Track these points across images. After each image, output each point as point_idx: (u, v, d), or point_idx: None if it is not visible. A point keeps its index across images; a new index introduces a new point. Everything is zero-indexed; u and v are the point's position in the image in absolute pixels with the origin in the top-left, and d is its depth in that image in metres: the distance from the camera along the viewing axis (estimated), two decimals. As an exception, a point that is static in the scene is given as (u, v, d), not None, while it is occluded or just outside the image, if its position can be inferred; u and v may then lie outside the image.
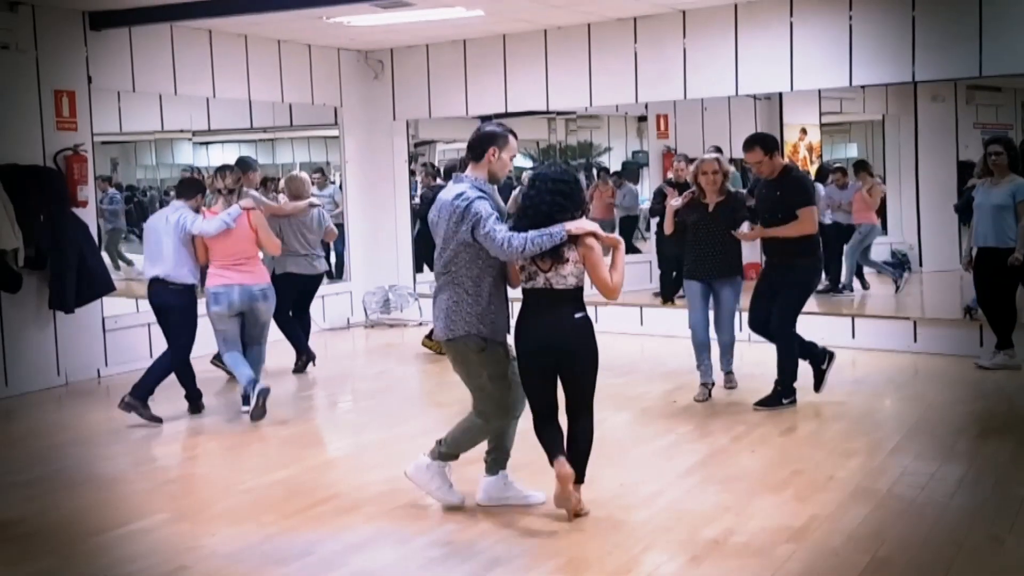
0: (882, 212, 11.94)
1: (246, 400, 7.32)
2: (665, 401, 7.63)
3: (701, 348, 7.60)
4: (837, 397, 7.50)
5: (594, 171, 13.47)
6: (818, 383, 7.34)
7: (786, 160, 7.58)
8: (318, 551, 4.74)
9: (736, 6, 9.58)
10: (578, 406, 5.04)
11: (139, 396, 7.19)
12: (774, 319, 7.18)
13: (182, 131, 11.33)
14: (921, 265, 12.37)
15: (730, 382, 7.79)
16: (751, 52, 9.61)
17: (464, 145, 13.50)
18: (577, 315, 4.93)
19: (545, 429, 5.01)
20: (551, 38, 10.66)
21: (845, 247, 11.63)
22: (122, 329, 9.17)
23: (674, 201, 7.63)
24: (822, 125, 12.37)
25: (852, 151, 13.91)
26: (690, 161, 9.30)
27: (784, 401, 7.21)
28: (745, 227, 7.49)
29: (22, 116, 8.46)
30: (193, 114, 10.99)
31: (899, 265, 12.00)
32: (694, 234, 7.53)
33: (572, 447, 4.99)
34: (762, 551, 4.61)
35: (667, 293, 10.99)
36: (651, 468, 5.98)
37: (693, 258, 7.58)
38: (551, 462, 4.93)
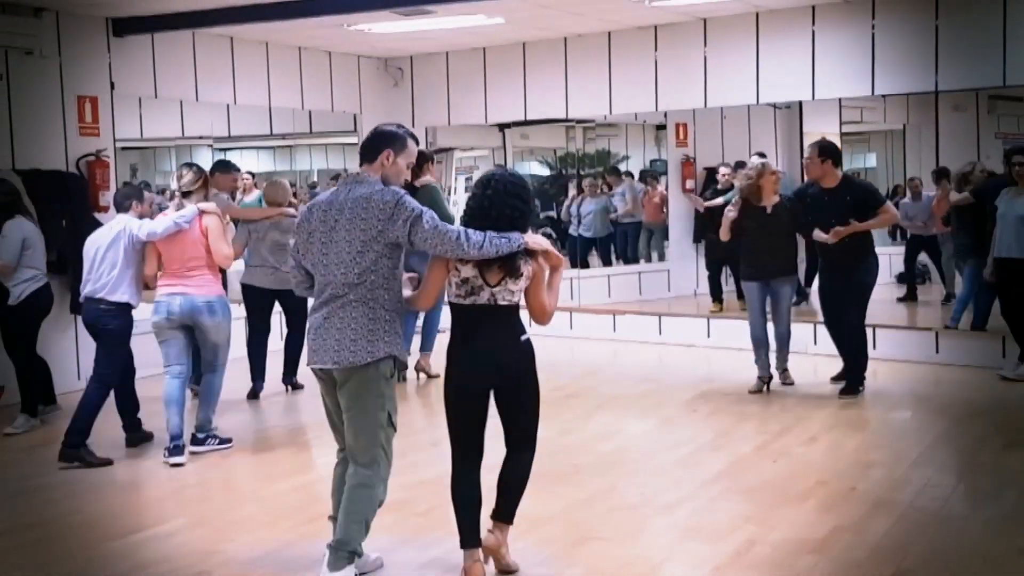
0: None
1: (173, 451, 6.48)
2: (686, 410, 7.61)
3: (759, 345, 7.92)
4: (859, 407, 7.47)
5: (622, 173, 13.38)
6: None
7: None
8: (338, 558, 4.72)
9: (758, 15, 9.55)
10: (523, 436, 4.42)
11: (74, 444, 6.45)
12: (851, 319, 7.72)
13: (202, 137, 11.37)
14: (942, 276, 12.27)
15: (787, 379, 8.05)
16: (772, 61, 9.58)
17: (482, 152, 13.45)
18: (523, 337, 4.33)
19: (466, 485, 4.37)
20: (571, 46, 10.66)
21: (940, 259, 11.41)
22: (142, 335, 9.12)
23: (730, 212, 7.87)
24: (842, 134, 12.30)
25: (872, 161, 13.81)
26: (737, 167, 9.41)
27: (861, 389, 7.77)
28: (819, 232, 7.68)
29: (45, 121, 8.51)
30: (214, 120, 11.03)
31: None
32: (754, 236, 7.81)
33: (505, 478, 4.42)
34: (784, 563, 4.58)
35: (717, 294, 10.98)
36: (672, 477, 5.94)
37: (751, 259, 7.91)
38: (463, 545, 4.32)
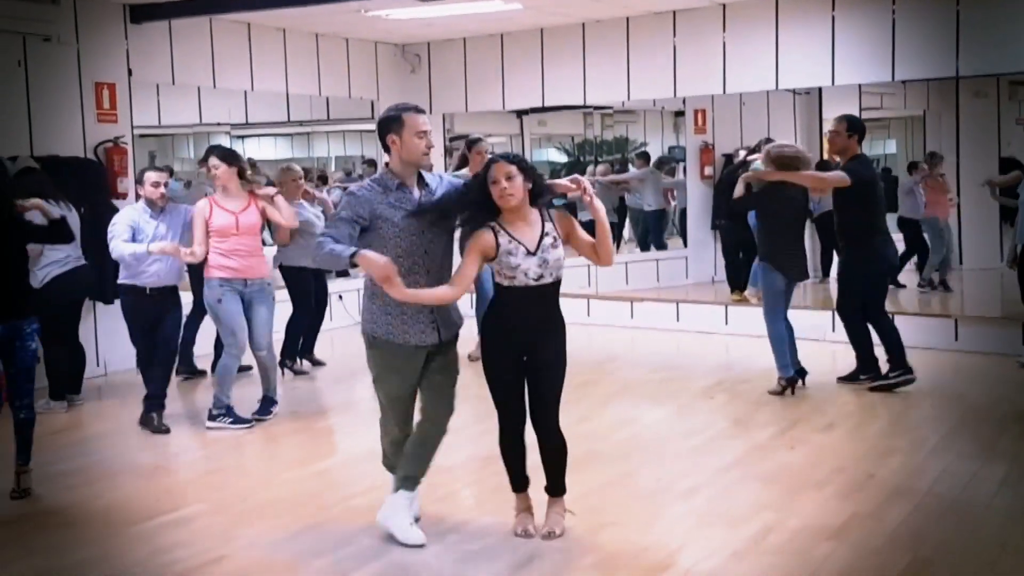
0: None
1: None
2: (702, 397, 7.59)
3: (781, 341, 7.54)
4: (877, 395, 7.43)
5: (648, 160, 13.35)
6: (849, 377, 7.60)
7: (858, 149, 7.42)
8: (355, 543, 4.74)
9: (777, 0, 9.50)
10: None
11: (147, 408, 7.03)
12: (838, 299, 7.61)
13: (220, 124, 11.41)
14: (962, 263, 12.19)
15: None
16: (792, 46, 9.52)
17: (499, 139, 13.45)
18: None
19: (509, 445, 4.76)
20: (589, 32, 10.62)
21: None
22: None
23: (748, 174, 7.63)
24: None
25: (891, 147, 13.74)
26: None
27: (861, 377, 7.55)
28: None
29: (63, 108, 8.54)
30: (231, 107, 11.05)
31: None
32: (774, 223, 7.40)
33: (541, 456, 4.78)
34: (802, 549, 4.57)
35: (735, 283, 10.86)
36: (688, 464, 5.94)
37: (776, 248, 7.40)
38: (513, 488, 4.81)
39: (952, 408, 7.22)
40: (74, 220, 7.49)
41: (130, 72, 9.04)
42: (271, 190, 7.25)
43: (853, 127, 7.33)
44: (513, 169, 4.42)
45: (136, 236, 6.84)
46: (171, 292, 7.09)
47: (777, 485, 5.47)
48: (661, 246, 12.83)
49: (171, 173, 10.71)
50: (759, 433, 6.54)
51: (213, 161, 6.97)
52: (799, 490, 5.38)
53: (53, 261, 7.34)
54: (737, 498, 5.31)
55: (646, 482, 5.64)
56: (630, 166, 13.24)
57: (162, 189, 6.94)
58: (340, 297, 10.79)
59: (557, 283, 4.57)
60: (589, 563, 4.48)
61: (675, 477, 5.67)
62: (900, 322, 8.96)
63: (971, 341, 8.90)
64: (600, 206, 4.50)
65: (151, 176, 6.96)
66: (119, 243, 6.81)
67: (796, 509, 5.08)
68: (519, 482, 4.79)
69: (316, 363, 8.96)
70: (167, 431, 6.89)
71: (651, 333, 10.30)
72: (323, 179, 12.59)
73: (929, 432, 6.57)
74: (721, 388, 7.80)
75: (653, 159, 13.15)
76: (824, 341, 8.99)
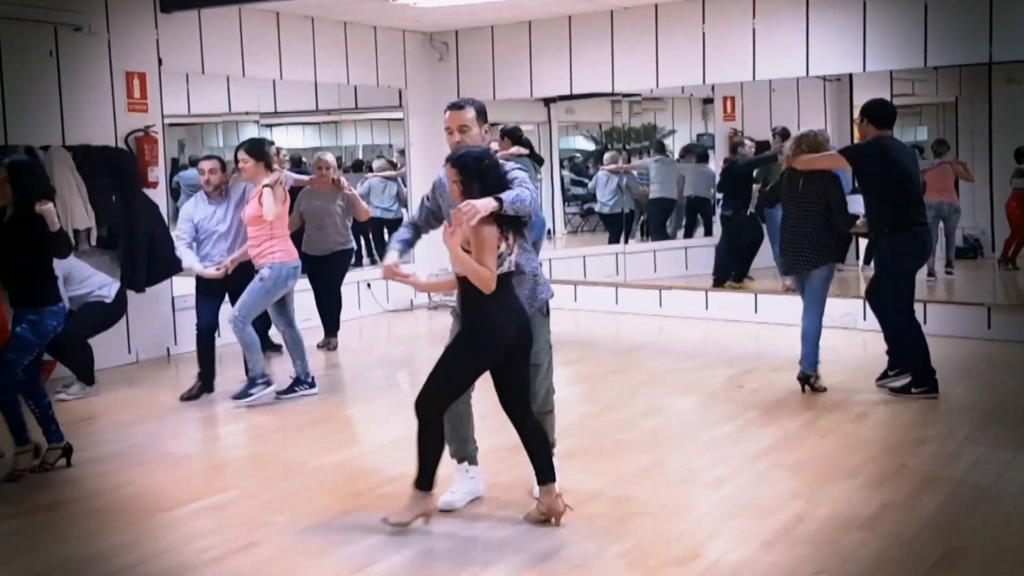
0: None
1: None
2: (731, 385, 7.56)
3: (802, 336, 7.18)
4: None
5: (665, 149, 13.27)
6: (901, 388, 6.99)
7: (882, 134, 6.84)
8: (385, 531, 4.74)
9: (807, -16, 9.43)
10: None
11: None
12: (889, 306, 6.95)
13: (248, 113, 11.43)
14: (993, 250, 12.05)
15: (816, 385, 7.10)
16: (822, 32, 9.44)
17: (527, 127, 13.46)
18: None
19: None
20: (617, 19, 10.57)
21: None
22: (191, 308, 9.24)
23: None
24: (893, 107, 12.09)
25: (923, 134, 13.58)
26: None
27: (914, 390, 6.88)
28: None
29: (94, 97, 8.60)
30: (260, 96, 11.07)
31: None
32: (783, 216, 7.12)
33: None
34: (832, 539, 4.54)
35: (724, 276, 10.88)
36: (718, 453, 5.92)
37: (782, 248, 7.16)
38: (431, 487, 4.78)
39: (985, 398, 7.14)
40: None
41: (160, 61, 9.09)
42: (271, 179, 7.22)
43: (861, 112, 6.95)
44: (454, 174, 4.59)
45: (197, 228, 7.45)
46: (240, 268, 7.41)
47: (807, 474, 5.45)
48: (663, 236, 12.68)
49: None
50: (788, 422, 6.50)
51: (241, 155, 7.27)
52: (829, 479, 5.35)
53: (108, 283, 7.76)
54: (766, 487, 5.28)
55: (675, 471, 5.62)
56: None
57: (207, 176, 7.39)
58: (368, 285, 10.83)
59: (462, 277, 4.72)
60: (617, 552, 4.47)
61: (704, 466, 5.66)
62: (931, 311, 8.93)
63: (1004, 330, 8.80)
64: (449, 244, 4.55)
65: (200, 165, 7.56)
66: (182, 248, 7.54)
67: (826, 498, 5.05)
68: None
69: (331, 345, 9.16)
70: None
71: (679, 321, 10.26)
72: (356, 167, 12.62)
73: (961, 421, 6.50)
74: (750, 376, 7.75)
75: (679, 147, 13.07)
76: (855, 329, 8.92)
